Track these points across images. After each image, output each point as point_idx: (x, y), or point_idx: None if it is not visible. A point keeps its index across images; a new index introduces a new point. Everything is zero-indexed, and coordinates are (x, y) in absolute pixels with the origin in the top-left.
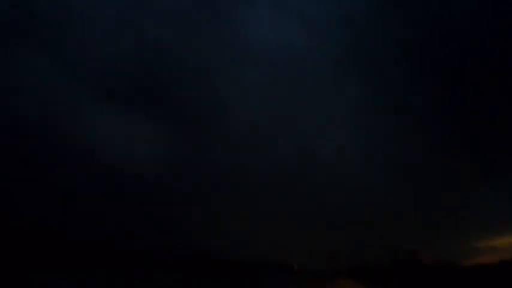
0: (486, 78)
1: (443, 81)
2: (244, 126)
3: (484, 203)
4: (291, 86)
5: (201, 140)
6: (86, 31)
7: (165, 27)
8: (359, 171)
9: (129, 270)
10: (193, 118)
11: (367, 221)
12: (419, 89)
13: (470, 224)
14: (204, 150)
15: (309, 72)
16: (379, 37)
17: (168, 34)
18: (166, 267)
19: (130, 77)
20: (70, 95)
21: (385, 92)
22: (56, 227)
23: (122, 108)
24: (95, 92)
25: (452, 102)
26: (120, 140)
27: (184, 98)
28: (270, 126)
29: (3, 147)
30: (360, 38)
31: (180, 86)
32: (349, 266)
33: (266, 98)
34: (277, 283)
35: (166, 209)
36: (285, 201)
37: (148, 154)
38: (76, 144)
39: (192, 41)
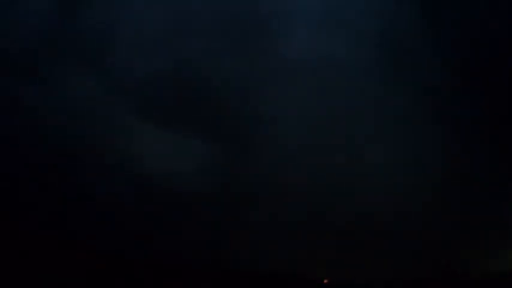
0: None
1: (491, 88)
2: (292, 136)
3: None
4: (337, 96)
5: (245, 152)
6: (127, 49)
7: (204, 40)
8: (405, 181)
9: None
10: (236, 130)
11: (410, 231)
12: (462, 97)
13: None
14: (250, 162)
15: (354, 82)
16: (421, 45)
17: (207, 47)
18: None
19: (171, 90)
20: (111, 110)
21: (426, 101)
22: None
23: (161, 122)
24: (135, 106)
25: (498, 110)
26: (159, 153)
27: (226, 110)
28: (318, 137)
29: (46, 157)
30: (401, 47)
31: (223, 98)
32: (388, 279)
33: (313, 108)
34: None
35: (206, 223)
36: (329, 212)
37: (189, 168)
38: (115, 157)
39: (233, 53)
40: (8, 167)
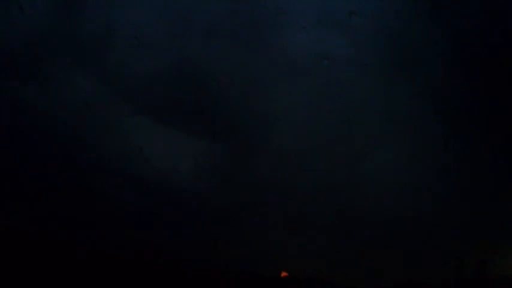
0: None
1: (491, 88)
2: (292, 137)
3: None
4: (337, 96)
5: (244, 153)
6: (126, 47)
7: (205, 41)
8: (411, 180)
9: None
10: (235, 130)
11: (411, 231)
12: (462, 97)
13: None
14: (248, 163)
15: (355, 82)
16: (422, 45)
17: (207, 47)
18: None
19: (171, 90)
20: (109, 108)
21: (426, 100)
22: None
23: (160, 121)
24: (134, 105)
25: (498, 110)
26: (159, 152)
27: (226, 110)
28: (318, 137)
29: (47, 157)
30: (402, 46)
31: (223, 98)
32: (389, 279)
33: (313, 108)
34: None
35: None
36: (329, 211)
37: (189, 168)
38: (114, 156)
39: (233, 53)
40: (8, 167)
